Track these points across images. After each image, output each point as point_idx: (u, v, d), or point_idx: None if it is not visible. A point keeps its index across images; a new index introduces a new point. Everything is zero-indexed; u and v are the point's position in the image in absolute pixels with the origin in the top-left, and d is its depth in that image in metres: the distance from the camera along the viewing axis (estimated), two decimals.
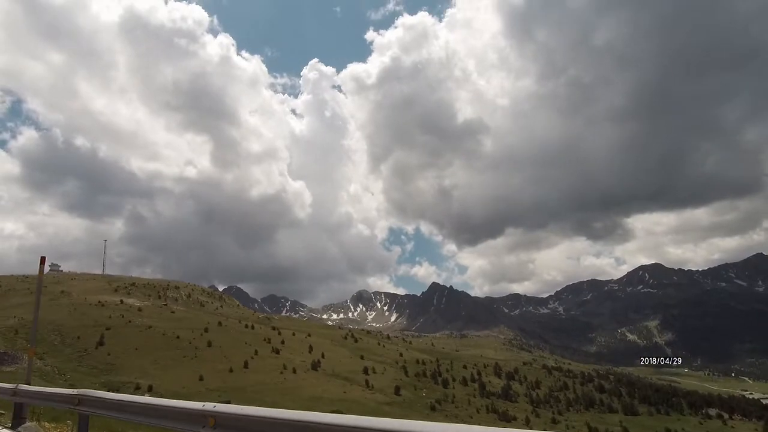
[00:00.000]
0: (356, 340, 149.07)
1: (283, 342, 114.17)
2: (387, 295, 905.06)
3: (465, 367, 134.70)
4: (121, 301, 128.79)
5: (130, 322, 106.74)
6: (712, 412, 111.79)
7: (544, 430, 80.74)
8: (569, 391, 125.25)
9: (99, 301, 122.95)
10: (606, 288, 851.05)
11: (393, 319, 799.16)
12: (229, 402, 9.38)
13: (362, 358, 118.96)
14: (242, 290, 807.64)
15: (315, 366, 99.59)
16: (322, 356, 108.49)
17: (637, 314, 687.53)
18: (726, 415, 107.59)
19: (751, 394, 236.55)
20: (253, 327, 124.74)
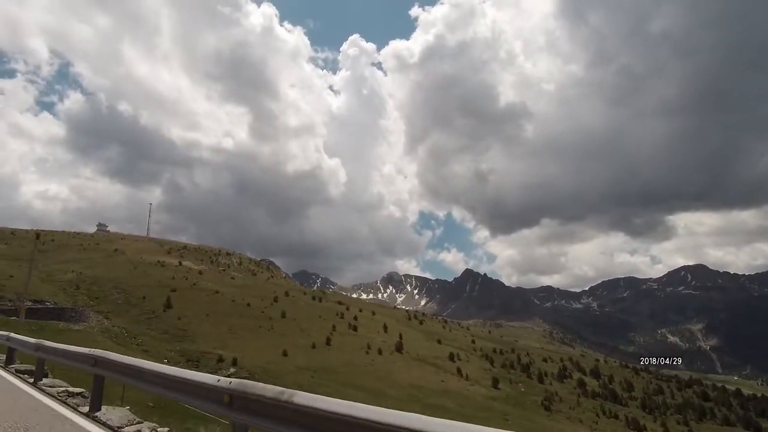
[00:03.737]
0: (421, 322, 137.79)
1: (355, 318, 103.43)
2: (417, 278, 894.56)
3: (545, 360, 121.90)
4: (180, 263, 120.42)
5: (194, 285, 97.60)
6: None
7: None
8: (666, 395, 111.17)
9: (158, 261, 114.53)
10: (644, 286, 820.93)
11: (423, 303, 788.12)
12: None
13: (439, 342, 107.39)
14: (274, 263, 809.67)
15: (398, 348, 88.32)
16: (400, 337, 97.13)
17: (679, 316, 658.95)
18: None
19: None
20: (320, 300, 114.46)
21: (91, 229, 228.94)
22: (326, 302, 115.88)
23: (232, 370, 59.62)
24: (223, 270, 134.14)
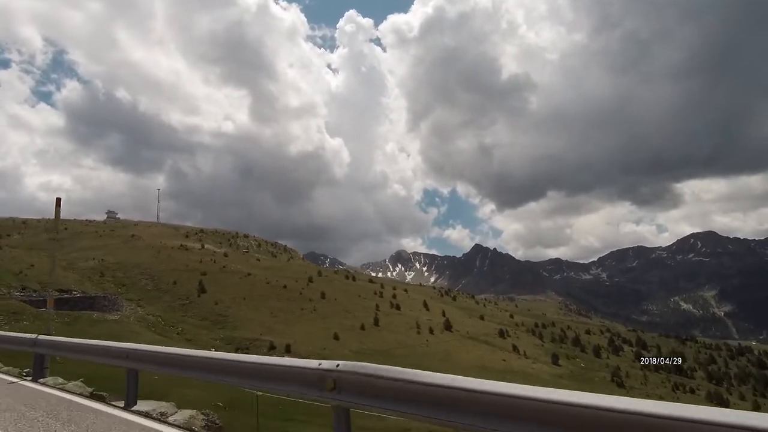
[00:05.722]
0: (454, 298, 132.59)
1: (394, 296, 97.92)
2: (426, 255, 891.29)
3: (588, 332, 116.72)
4: (203, 246, 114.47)
5: (224, 268, 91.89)
6: None
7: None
8: (719, 365, 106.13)
9: (181, 245, 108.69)
10: (653, 255, 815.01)
11: (433, 279, 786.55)
12: None
13: (482, 318, 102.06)
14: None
15: (447, 326, 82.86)
16: (443, 315, 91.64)
17: (690, 283, 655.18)
18: None
19: None
20: (354, 279, 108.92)
21: (100, 217, 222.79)
22: (359, 281, 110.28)
23: (285, 357, 54.14)
24: (246, 252, 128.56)
